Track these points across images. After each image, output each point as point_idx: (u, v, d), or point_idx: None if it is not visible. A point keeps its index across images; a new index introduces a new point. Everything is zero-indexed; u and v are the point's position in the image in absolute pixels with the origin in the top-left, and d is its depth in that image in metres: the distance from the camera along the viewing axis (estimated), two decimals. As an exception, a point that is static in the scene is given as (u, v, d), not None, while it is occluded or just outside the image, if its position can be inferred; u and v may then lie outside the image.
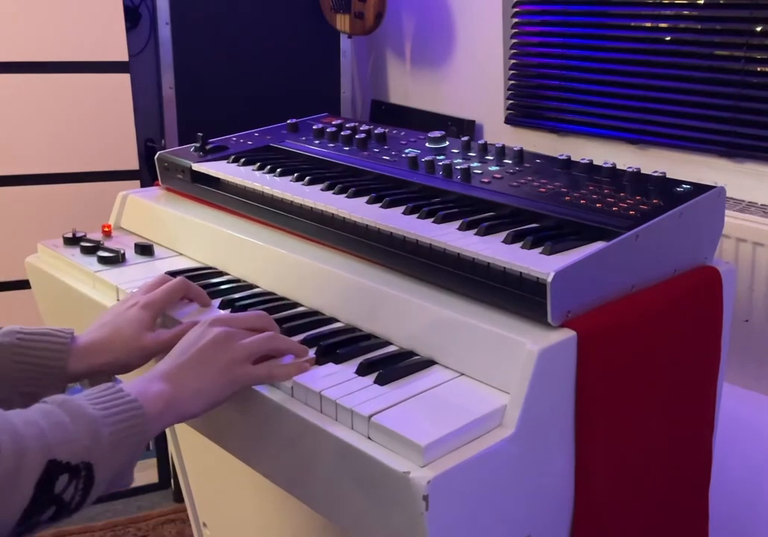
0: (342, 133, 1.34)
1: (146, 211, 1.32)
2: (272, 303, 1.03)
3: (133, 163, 2.09)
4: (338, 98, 2.43)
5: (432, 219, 0.99)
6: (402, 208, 1.03)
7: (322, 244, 1.08)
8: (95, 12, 1.98)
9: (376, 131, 1.32)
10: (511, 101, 2.11)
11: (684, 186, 1.02)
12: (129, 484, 0.78)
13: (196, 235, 1.21)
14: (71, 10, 1.95)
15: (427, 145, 1.27)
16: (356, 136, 1.31)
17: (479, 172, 1.12)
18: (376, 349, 0.90)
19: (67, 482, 0.69)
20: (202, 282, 1.09)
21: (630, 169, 1.06)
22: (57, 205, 2.04)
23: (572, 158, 1.13)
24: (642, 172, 1.06)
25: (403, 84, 2.47)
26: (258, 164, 1.25)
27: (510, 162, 1.16)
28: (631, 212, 0.94)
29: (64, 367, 0.89)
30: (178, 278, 1.02)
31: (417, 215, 1.01)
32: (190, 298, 1.03)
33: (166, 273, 1.11)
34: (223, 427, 0.97)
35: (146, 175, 2.14)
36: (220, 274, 1.15)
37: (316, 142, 1.35)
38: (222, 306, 1.03)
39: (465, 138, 1.25)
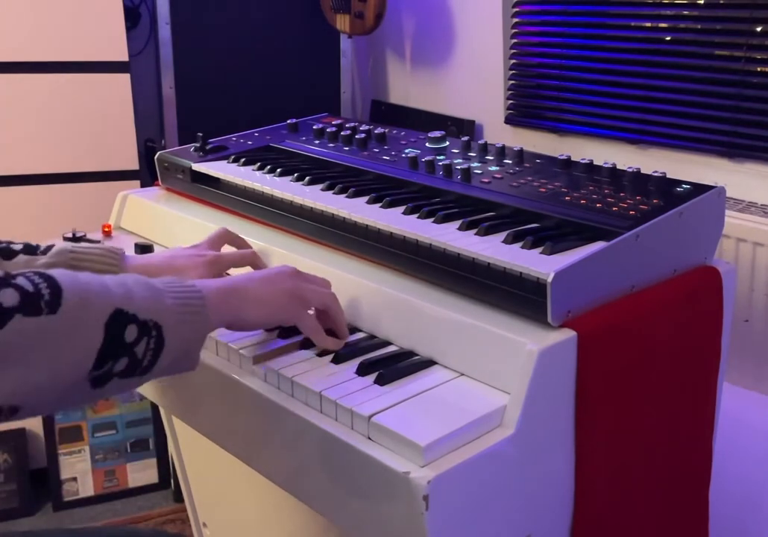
0: (342, 133, 1.33)
1: (146, 211, 1.32)
2: (272, 303, 1.03)
3: (133, 163, 2.09)
4: (338, 98, 2.43)
5: (432, 219, 0.99)
6: (402, 208, 1.03)
7: (322, 244, 1.08)
8: (95, 12, 1.98)
9: (376, 131, 1.32)
10: (511, 101, 2.11)
11: (684, 186, 1.02)
12: (194, 367, 0.79)
13: (196, 235, 1.21)
14: (71, 10, 1.95)
15: (427, 145, 1.27)
16: (356, 136, 1.30)
17: (479, 172, 1.12)
18: (376, 349, 0.90)
19: (137, 335, 0.70)
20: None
21: (630, 169, 1.06)
22: (57, 205, 2.04)
23: (572, 158, 1.13)
24: (642, 172, 1.06)
25: (403, 84, 2.47)
26: (258, 164, 1.25)
27: (510, 162, 1.16)
28: (631, 212, 0.94)
29: None
30: (250, 250, 1.06)
31: (417, 215, 1.01)
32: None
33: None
34: (223, 427, 0.97)
35: (146, 175, 2.14)
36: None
37: (316, 142, 1.35)
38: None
39: (465, 138, 1.25)
